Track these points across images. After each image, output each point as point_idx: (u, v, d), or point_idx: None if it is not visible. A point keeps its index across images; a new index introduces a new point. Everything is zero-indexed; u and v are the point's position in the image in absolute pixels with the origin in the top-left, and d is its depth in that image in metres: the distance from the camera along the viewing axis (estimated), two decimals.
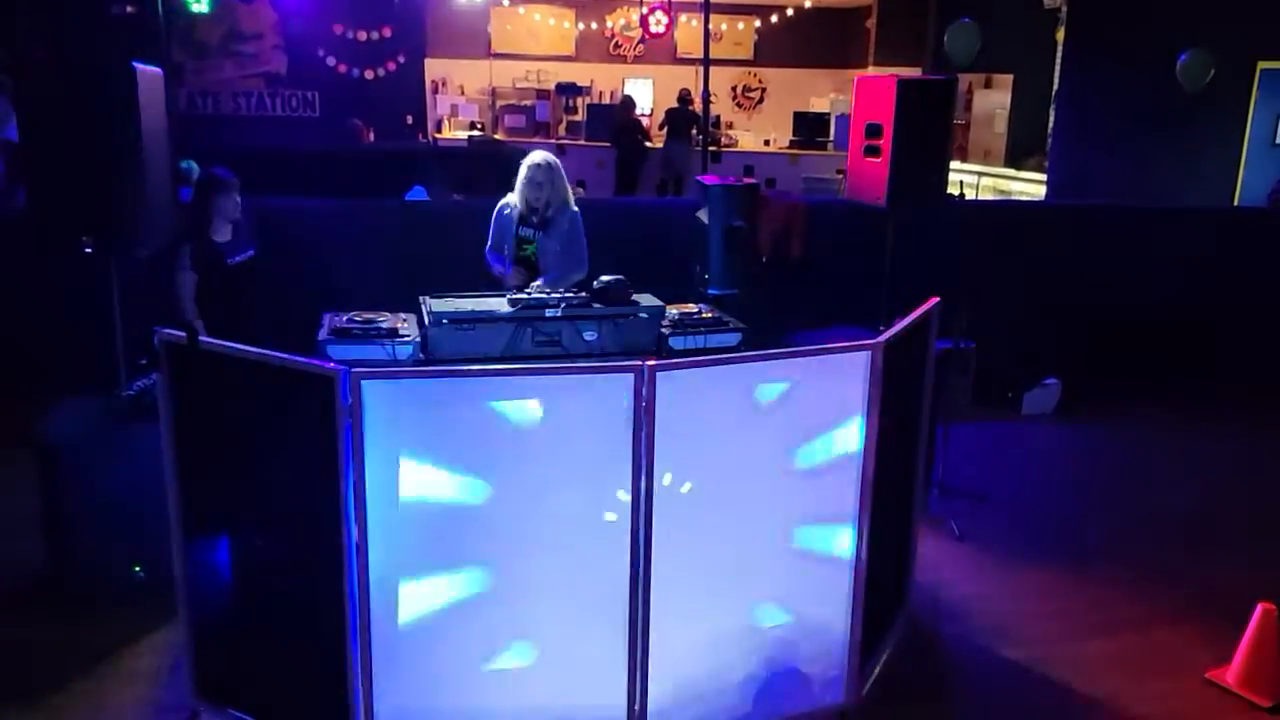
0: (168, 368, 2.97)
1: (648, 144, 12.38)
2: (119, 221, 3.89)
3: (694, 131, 12.07)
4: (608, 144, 12.23)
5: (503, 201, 4.96)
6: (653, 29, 10.88)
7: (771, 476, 3.12)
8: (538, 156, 4.88)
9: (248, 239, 4.89)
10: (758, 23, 14.34)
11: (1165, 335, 6.88)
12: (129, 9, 9.18)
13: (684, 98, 12.49)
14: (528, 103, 13.66)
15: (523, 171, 4.83)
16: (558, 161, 4.92)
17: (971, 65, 8.52)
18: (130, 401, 4.00)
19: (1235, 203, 8.89)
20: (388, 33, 12.18)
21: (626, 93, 13.60)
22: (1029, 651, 3.90)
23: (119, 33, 9.08)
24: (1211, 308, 6.96)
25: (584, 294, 4.33)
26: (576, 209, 4.97)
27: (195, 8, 10.27)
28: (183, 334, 2.89)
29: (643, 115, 12.95)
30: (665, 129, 12.34)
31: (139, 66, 3.88)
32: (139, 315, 3.91)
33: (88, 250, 3.88)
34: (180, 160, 6.05)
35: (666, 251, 5.52)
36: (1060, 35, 10.30)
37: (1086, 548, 4.78)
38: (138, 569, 3.90)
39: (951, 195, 5.30)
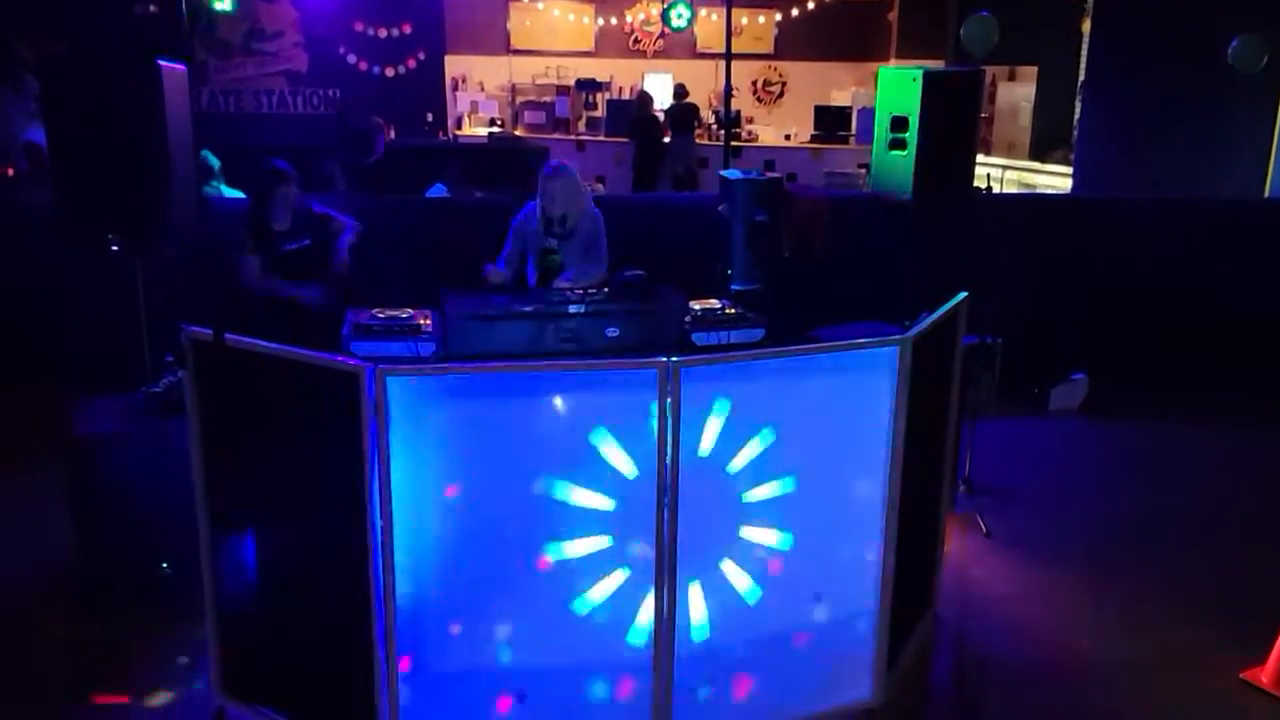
0: (194, 365, 2.98)
1: (665, 139, 12.36)
2: (145, 218, 3.91)
3: (710, 123, 11.99)
4: (626, 139, 12.21)
5: (524, 211, 4.93)
6: (674, 23, 10.84)
7: (795, 474, 3.09)
8: (550, 166, 4.87)
9: (305, 230, 4.95)
10: (778, 16, 14.24)
11: (1193, 330, 6.78)
12: (152, 7, 9.23)
13: (679, 92, 12.52)
14: (547, 99, 13.63)
15: (538, 183, 4.82)
16: (571, 168, 4.89)
17: (992, 57, 8.42)
18: (157, 398, 4.01)
19: (1266, 194, 8.75)
20: (408, 30, 12.20)
21: (644, 88, 13.56)
22: (1057, 650, 3.85)
23: (142, 31, 9.14)
24: (1241, 303, 6.85)
25: (606, 290, 4.31)
26: (596, 210, 4.94)
27: (218, 6, 10.30)
28: (209, 330, 2.89)
29: (661, 110, 12.93)
30: (670, 126, 12.35)
31: (163, 64, 3.90)
32: (165, 311, 3.92)
33: (114, 247, 3.91)
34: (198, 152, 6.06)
35: (687, 246, 5.49)
36: (1086, 26, 10.17)
37: (1115, 545, 4.72)
38: (165, 565, 3.93)
39: (979, 188, 5.23)
